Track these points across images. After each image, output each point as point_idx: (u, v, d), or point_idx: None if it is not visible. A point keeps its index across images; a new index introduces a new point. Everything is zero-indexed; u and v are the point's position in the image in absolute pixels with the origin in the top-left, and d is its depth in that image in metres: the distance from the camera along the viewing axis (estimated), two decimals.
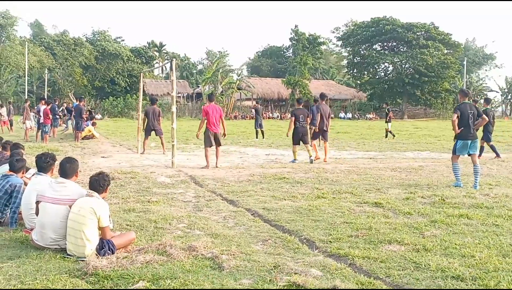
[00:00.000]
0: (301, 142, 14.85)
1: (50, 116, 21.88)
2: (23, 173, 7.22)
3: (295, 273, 4.80)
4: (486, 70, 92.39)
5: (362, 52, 70.42)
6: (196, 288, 4.50)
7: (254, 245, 6.01)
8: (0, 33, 63.97)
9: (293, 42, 71.31)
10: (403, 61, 66.84)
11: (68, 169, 5.93)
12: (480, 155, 15.16)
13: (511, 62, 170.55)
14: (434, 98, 66.38)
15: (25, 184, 6.89)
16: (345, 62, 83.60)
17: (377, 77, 70.82)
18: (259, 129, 24.83)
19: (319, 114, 15.02)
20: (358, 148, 20.01)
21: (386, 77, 70.40)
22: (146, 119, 17.49)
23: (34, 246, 5.75)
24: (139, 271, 4.88)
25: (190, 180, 11.23)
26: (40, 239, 5.71)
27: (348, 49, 73.93)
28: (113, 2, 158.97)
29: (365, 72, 71.97)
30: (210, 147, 13.49)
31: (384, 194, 9.39)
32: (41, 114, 21.70)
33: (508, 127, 38.41)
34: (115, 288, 4.57)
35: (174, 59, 15.21)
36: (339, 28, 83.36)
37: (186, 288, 4.49)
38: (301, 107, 15.51)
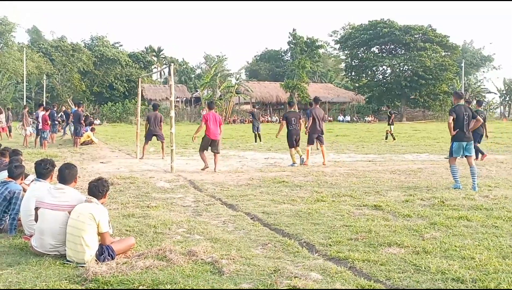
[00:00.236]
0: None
1: (49, 122, 21.88)
2: (22, 179, 7.22)
3: (295, 277, 4.79)
4: (483, 71, 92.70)
5: (360, 55, 70.61)
6: None
7: (254, 249, 6.00)
8: None
9: (291, 45, 71.45)
10: (401, 64, 67.00)
11: (67, 175, 5.93)
12: (477, 157, 15.20)
13: (508, 63, 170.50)
14: (433, 100, 66.51)
15: (24, 190, 6.88)
16: (343, 65, 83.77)
17: (375, 80, 70.96)
18: (257, 133, 24.91)
19: (311, 117, 15.02)
20: (357, 151, 20.01)
21: (384, 80, 70.53)
22: (148, 125, 17.49)
23: (33, 253, 5.74)
24: (139, 276, 4.87)
25: (189, 184, 11.23)
26: (40, 245, 5.70)
27: (346, 52, 74.16)
28: (111, 7, 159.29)
29: (363, 75, 72.14)
30: (203, 151, 13.74)
31: (383, 197, 9.39)
32: (40, 120, 21.69)
33: (507, 129, 38.45)
34: None
35: (172, 64, 15.20)
36: (337, 31, 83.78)
37: None
38: (292, 110, 15.65)
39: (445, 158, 16.25)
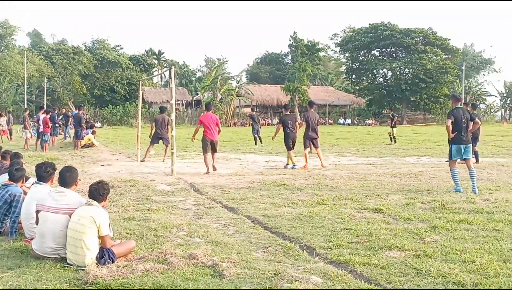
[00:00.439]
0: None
1: (50, 125, 21.89)
2: (22, 182, 7.22)
3: (296, 280, 4.79)
4: (484, 74, 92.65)
5: (360, 58, 70.63)
6: None
7: (255, 253, 6.00)
8: None
9: (291, 48, 71.45)
10: (402, 67, 66.98)
11: (68, 178, 5.93)
12: (477, 161, 15.18)
13: (509, 66, 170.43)
14: (433, 103, 66.49)
15: (25, 193, 6.88)
16: (343, 68, 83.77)
17: (376, 82, 70.93)
18: (257, 136, 24.93)
19: (305, 121, 15.17)
20: (357, 154, 20.00)
21: (385, 83, 70.50)
22: (154, 127, 17.48)
23: (34, 256, 5.74)
24: (139, 279, 4.87)
25: (190, 187, 11.23)
26: (40, 248, 5.71)
27: (346, 55, 74.16)
28: (111, 10, 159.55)
29: (364, 78, 72.13)
30: (207, 152, 13.92)
31: (384, 200, 9.38)
32: (41, 123, 21.71)
33: (508, 132, 38.41)
34: None
35: (173, 67, 15.23)
36: (338, 34, 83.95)
37: None
38: (288, 113, 15.78)
39: (445, 161, 16.25)
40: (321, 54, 76.88)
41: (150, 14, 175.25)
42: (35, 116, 26.25)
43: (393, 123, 26.21)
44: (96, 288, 4.73)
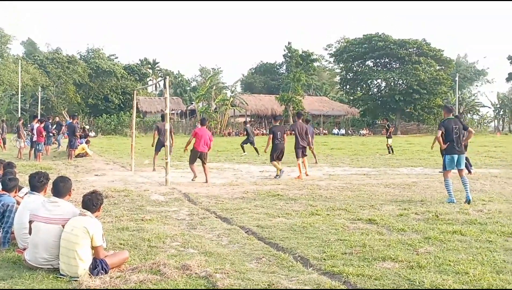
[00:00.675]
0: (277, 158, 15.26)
1: (44, 134, 21.83)
2: (15, 192, 7.19)
3: None
4: (477, 85, 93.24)
5: (354, 68, 70.91)
6: None
7: (248, 263, 5.99)
8: None
9: (286, 58, 71.73)
10: (396, 77, 67.24)
11: (61, 188, 5.92)
12: (469, 171, 15.22)
13: (502, 77, 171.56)
14: (427, 114, 66.74)
15: (18, 203, 6.85)
16: (338, 78, 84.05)
17: (370, 93, 71.19)
18: (244, 145, 25.45)
19: (293, 132, 15.53)
20: (351, 164, 20.03)
21: (379, 93, 70.78)
22: (158, 135, 17.47)
23: (26, 266, 5.71)
24: None
25: (184, 197, 11.21)
26: (33, 259, 5.68)
27: (341, 65, 74.40)
28: (107, 19, 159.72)
29: (358, 88, 72.38)
30: (193, 163, 14.50)
31: (378, 211, 9.40)
32: (35, 132, 21.64)
33: (501, 143, 38.59)
34: None
35: (168, 77, 15.24)
36: (332, 45, 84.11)
37: None
38: (277, 124, 15.96)
39: (439, 172, 16.31)
40: (316, 64, 77.16)
41: (145, 24, 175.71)
42: (29, 125, 26.17)
43: (388, 133, 26.30)
44: None
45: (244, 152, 25.16)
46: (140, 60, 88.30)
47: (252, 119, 68.07)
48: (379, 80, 70.70)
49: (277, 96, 65.28)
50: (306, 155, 15.87)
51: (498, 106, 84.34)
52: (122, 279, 5.18)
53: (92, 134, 49.90)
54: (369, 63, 71.11)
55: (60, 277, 5.40)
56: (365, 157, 24.23)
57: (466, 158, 15.80)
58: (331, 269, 5.72)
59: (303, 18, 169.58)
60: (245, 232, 7.74)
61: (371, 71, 69.01)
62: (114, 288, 4.91)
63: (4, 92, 63.12)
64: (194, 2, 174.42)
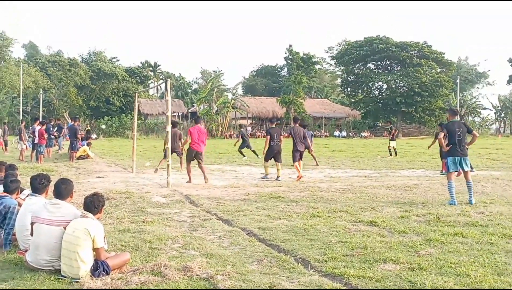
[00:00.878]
0: (273, 159, 15.55)
1: (45, 136, 21.86)
2: (17, 194, 7.20)
3: None
4: (478, 88, 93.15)
5: (356, 71, 70.91)
6: None
7: (250, 265, 5.99)
8: None
9: (287, 61, 71.78)
10: (397, 80, 67.24)
11: (63, 190, 5.93)
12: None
13: (503, 80, 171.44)
14: (428, 116, 66.64)
15: (20, 205, 6.86)
16: (339, 81, 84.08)
17: (371, 95, 71.17)
18: (242, 150, 25.31)
19: (291, 136, 15.64)
20: (353, 167, 20.03)
21: (380, 96, 70.75)
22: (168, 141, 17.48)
23: (28, 268, 5.72)
24: None
25: (185, 199, 11.21)
26: (35, 260, 5.68)
27: (342, 68, 74.47)
28: (108, 22, 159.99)
29: (359, 91, 72.34)
30: (189, 162, 14.63)
31: (379, 213, 9.39)
32: (36, 134, 21.68)
33: (502, 145, 38.56)
34: None
35: (169, 79, 15.29)
36: (333, 47, 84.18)
37: None
38: (274, 126, 16.30)
39: (440, 173, 16.31)
40: (317, 67, 77.24)
41: (146, 26, 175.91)
42: (30, 128, 26.21)
43: (391, 136, 26.29)
44: None
45: (244, 156, 25.02)
46: (141, 62, 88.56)
47: (253, 122, 68.08)
48: (380, 83, 70.68)
49: (278, 98, 65.26)
50: (301, 159, 15.97)
51: (499, 108, 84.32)
52: (123, 280, 5.19)
53: (93, 136, 49.93)
54: (370, 65, 71.15)
55: (61, 279, 5.41)
56: (366, 159, 24.22)
57: None
58: (332, 271, 5.72)
59: (304, 20, 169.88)
60: (246, 234, 7.74)
61: (372, 73, 69.02)
62: (115, 289, 4.91)
63: (6, 95, 63.22)
64: (195, 4, 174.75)
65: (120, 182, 14.53)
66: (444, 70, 69.54)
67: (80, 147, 22.30)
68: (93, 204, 5.75)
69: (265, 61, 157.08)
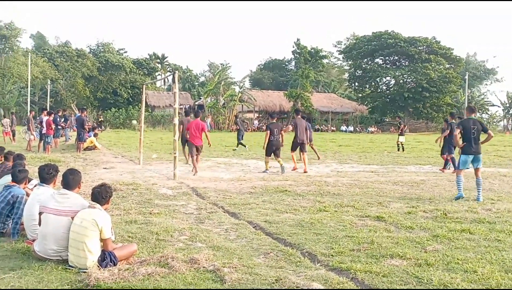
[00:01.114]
0: (273, 154, 15.63)
1: (53, 127, 21.94)
2: (25, 183, 7.23)
3: (297, 287, 4.79)
4: (486, 84, 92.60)
5: (363, 65, 70.55)
6: None
7: (256, 258, 6.00)
8: (4, 44, 64.26)
9: (295, 55, 71.50)
10: (405, 75, 66.89)
11: (71, 180, 5.96)
12: (454, 168, 15.06)
13: (511, 76, 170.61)
14: (436, 112, 66.27)
15: (27, 195, 6.89)
16: (346, 75, 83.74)
17: (379, 90, 70.87)
18: (242, 141, 25.63)
19: (293, 127, 16.01)
20: (360, 162, 19.99)
21: (388, 91, 70.44)
22: (182, 130, 17.43)
23: (36, 257, 5.75)
24: (140, 283, 4.88)
25: (192, 192, 11.23)
26: (42, 250, 5.72)
27: (349, 62, 74.11)
28: (116, 13, 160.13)
29: (367, 86, 72.05)
30: (193, 156, 14.99)
31: (386, 208, 9.38)
32: (44, 124, 21.76)
33: (510, 142, 38.38)
34: None
35: (177, 72, 15.26)
36: (341, 42, 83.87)
37: None
38: (274, 121, 16.53)
39: (448, 168, 16.29)
40: (325, 61, 76.93)
41: (154, 18, 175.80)
42: (38, 118, 26.31)
43: (400, 130, 26.23)
44: None
45: (245, 146, 25.31)
46: (149, 54, 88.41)
47: (260, 115, 67.96)
48: (388, 78, 70.32)
49: (286, 92, 65.09)
50: (305, 151, 16.23)
51: (507, 105, 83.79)
52: (130, 271, 5.21)
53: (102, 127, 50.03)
54: (378, 60, 70.79)
55: (69, 269, 5.43)
56: (373, 154, 24.17)
57: (452, 158, 15.93)
58: (338, 265, 5.72)
59: (312, 14, 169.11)
60: (253, 227, 7.75)
61: (380, 68, 68.68)
62: (122, 280, 4.93)
63: (13, 85, 63.46)
64: None
65: (127, 174, 14.58)
66: (453, 66, 69.07)
67: (87, 138, 22.38)
68: (100, 194, 5.77)
69: (272, 54, 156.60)
